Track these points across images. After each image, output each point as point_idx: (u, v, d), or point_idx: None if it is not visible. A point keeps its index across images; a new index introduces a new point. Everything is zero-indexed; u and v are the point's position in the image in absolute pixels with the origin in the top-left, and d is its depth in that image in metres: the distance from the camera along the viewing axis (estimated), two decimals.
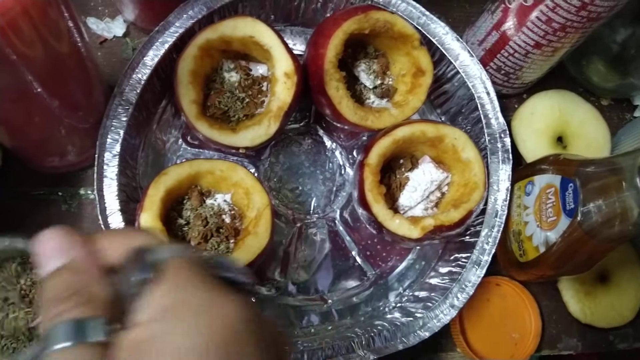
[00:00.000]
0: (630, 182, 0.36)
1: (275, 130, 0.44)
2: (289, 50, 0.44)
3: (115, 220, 0.41)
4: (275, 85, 0.44)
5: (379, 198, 0.43)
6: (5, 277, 0.37)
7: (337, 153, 0.51)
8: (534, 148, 0.52)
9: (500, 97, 0.55)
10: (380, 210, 0.43)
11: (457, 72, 0.49)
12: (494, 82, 0.53)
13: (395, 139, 0.44)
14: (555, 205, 0.43)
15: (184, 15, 0.45)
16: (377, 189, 0.44)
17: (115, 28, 0.50)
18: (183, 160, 0.48)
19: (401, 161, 0.47)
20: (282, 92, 0.44)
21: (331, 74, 0.44)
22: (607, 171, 0.39)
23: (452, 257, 0.48)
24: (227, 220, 0.43)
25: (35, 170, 0.45)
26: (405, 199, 0.47)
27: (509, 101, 0.56)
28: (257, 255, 0.40)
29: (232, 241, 0.43)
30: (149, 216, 0.39)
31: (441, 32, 0.49)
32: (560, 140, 0.54)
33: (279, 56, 0.44)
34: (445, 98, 0.52)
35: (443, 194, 0.48)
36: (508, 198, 0.47)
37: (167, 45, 0.45)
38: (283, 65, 0.44)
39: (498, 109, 0.48)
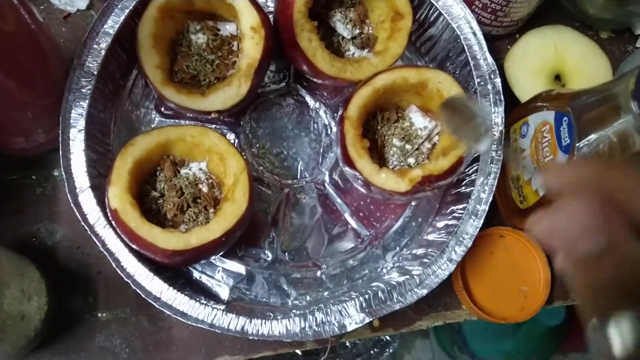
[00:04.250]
0: (626, 107, 0.33)
1: (246, 90, 0.41)
2: (254, 3, 0.41)
3: (87, 198, 0.39)
4: (243, 42, 0.42)
5: (362, 152, 0.41)
6: None
7: (321, 112, 0.49)
8: (529, 89, 0.49)
9: (491, 38, 0.52)
10: (364, 165, 0.41)
11: (440, 14, 0.46)
12: (481, 22, 0.49)
13: (375, 88, 0.42)
14: (551, 143, 0.40)
15: None
16: (360, 143, 0.41)
17: (78, 1, 0.48)
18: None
19: (386, 113, 0.45)
20: (251, 48, 0.41)
21: (301, 24, 0.42)
22: (600, 99, 0.36)
23: (448, 210, 0.45)
24: (205, 189, 0.41)
25: (6, 154, 0.43)
26: (393, 153, 0.44)
27: (501, 42, 0.53)
28: (236, 222, 0.38)
29: (211, 211, 0.40)
30: (117, 190, 0.37)
31: None
32: (558, 78, 0.50)
33: (243, 10, 0.41)
34: (431, 44, 0.49)
35: (434, 144, 0.45)
36: (503, 142, 0.44)
37: (127, 11, 0.42)
38: (248, 19, 0.41)
39: (486, 48, 0.45)
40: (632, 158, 0.35)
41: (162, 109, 0.46)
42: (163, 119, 0.47)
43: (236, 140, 0.47)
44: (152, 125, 0.46)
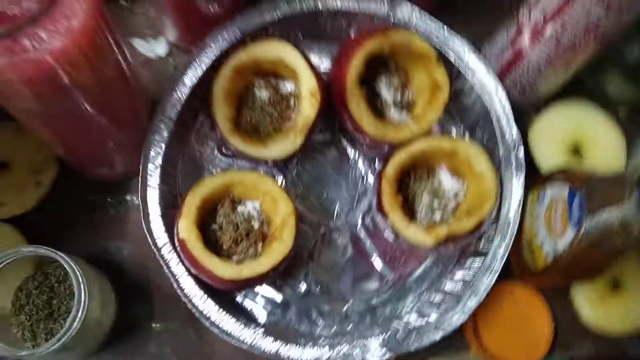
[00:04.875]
0: (629, 194, 0.39)
1: (300, 144, 0.48)
2: (314, 70, 0.48)
3: (157, 225, 0.46)
4: (301, 103, 0.48)
5: (395, 207, 0.47)
6: None
7: (359, 162, 0.55)
8: (550, 158, 0.55)
9: (519, 108, 0.57)
10: (396, 219, 0.47)
11: (474, 86, 0.52)
12: (510, 96, 0.55)
13: (412, 153, 0.48)
14: (563, 215, 0.45)
15: (219, 38, 0.50)
16: (394, 199, 0.47)
17: (158, 48, 0.55)
18: (218, 169, 0.53)
19: (419, 171, 0.51)
20: (307, 109, 0.48)
21: (352, 91, 0.48)
22: (610, 183, 0.41)
23: (466, 263, 0.51)
24: (256, 225, 0.47)
25: (90, 178, 0.50)
26: (422, 207, 0.50)
27: (527, 113, 0.58)
28: (282, 259, 0.44)
29: (260, 245, 0.47)
30: (186, 223, 0.44)
31: (459, 47, 0.52)
32: (577, 150, 0.56)
33: (304, 76, 0.48)
34: (465, 111, 0.55)
35: (459, 203, 0.50)
36: (521, 207, 0.49)
37: (204, 66, 0.49)
38: (308, 84, 0.48)
39: (512, 121, 0.51)
40: (631, 241, 0.40)
41: (223, 150, 0.53)
42: (223, 158, 0.53)
43: (283, 181, 0.53)
44: (214, 163, 0.53)
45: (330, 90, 0.50)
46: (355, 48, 0.48)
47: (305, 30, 0.54)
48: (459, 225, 0.46)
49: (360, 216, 0.53)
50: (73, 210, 0.50)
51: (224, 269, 0.43)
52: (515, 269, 0.52)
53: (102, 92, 0.39)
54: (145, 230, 0.45)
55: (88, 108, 0.38)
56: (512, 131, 0.51)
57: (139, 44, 0.55)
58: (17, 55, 0.28)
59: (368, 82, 0.52)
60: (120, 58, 0.40)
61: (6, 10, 0.28)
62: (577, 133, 0.55)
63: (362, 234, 0.53)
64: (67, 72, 0.32)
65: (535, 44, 0.48)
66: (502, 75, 0.54)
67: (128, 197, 0.51)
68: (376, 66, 0.52)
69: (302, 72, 0.48)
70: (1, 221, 0.47)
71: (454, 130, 0.56)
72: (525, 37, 0.49)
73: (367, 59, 0.48)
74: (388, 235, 0.50)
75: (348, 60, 0.48)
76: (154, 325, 0.50)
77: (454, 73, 0.53)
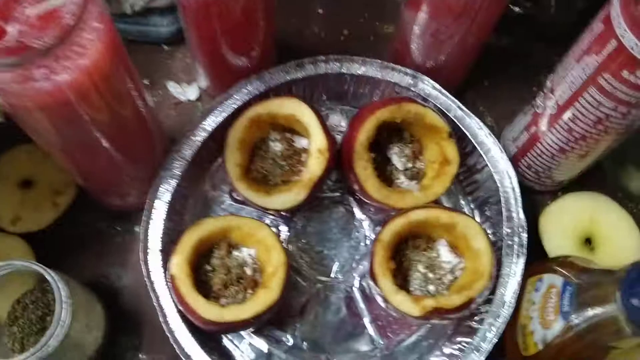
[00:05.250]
0: (615, 296, 0.38)
1: (303, 198, 0.49)
2: (325, 130, 0.50)
3: (155, 258, 0.48)
4: (309, 158, 0.50)
5: (386, 273, 0.47)
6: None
7: (365, 224, 0.55)
8: (558, 246, 0.54)
9: (534, 192, 0.57)
10: (385, 284, 0.47)
11: (487, 165, 0.52)
12: (525, 179, 0.55)
13: (409, 220, 0.48)
14: (555, 306, 0.44)
15: (243, 90, 0.53)
16: (386, 264, 0.47)
17: (190, 93, 0.58)
18: (226, 213, 0.54)
19: (418, 241, 0.51)
20: (314, 166, 0.49)
21: (360, 154, 0.49)
22: (600, 281, 0.40)
23: (457, 340, 0.50)
24: (249, 272, 0.48)
25: (103, 205, 0.53)
26: (416, 277, 0.50)
27: (543, 197, 0.58)
28: (266, 308, 0.45)
29: (249, 291, 0.48)
30: (179, 259, 0.45)
31: (475, 126, 0.53)
32: (589, 242, 0.55)
33: (314, 134, 0.49)
34: (475, 187, 0.55)
35: (456, 278, 0.50)
36: (517, 291, 0.48)
37: (224, 115, 0.52)
38: (317, 142, 0.49)
39: (520, 205, 0.51)
40: (615, 341, 0.39)
41: (234, 195, 0.55)
42: (233, 203, 0.55)
43: (288, 233, 0.55)
44: (223, 206, 0.55)
45: (342, 152, 0.52)
46: (369, 114, 0.50)
47: (329, 91, 0.57)
48: (447, 300, 0.46)
49: (358, 278, 0.54)
50: (83, 234, 0.53)
51: (206, 310, 0.44)
52: (509, 351, 0.51)
53: (117, 129, 0.42)
54: (142, 260, 0.47)
55: (102, 141, 0.41)
56: (518, 215, 0.51)
57: (173, 87, 0.58)
58: (28, 83, 0.31)
59: (381, 148, 0.53)
60: (139, 101, 0.42)
61: (24, 41, 0.31)
62: (591, 225, 0.54)
63: (357, 295, 0.53)
64: (79, 104, 0.35)
65: (549, 131, 0.48)
66: (517, 158, 0.54)
67: (136, 228, 0.54)
68: (391, 133, 0.53)
69: (314, 130, 0.49)
70: (16, 235, 0.50)
71: (463, 204, 0.56)
72: (540, 123, 0.49)
73: (379, 126, 0.50)
74: (379, 301, 0.50)
75: (360, 125, 0.50)
76: (140, 355, 0.51)
77: (468, 149, 0.53)
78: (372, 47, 0.61)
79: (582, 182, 0.56)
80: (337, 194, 0.56)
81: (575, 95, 0.44)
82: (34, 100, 0.33)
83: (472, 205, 0.56)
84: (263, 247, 0.48)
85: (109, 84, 0.37)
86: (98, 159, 0.44)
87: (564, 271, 0.45)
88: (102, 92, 0.36)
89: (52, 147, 0.42)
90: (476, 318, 0.50)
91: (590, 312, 0.40)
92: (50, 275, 0.39)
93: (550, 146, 0.49)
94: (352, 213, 0.56)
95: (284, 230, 0.55)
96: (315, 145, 0.49)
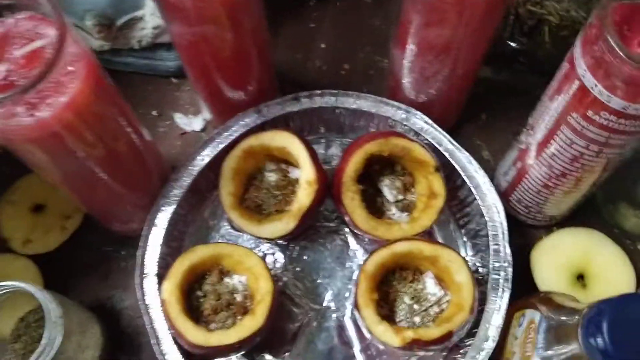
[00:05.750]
0: (577, 334, 0.38)
1: (293, 228, 0.51)
2: (315, 162, 0.52)
3: (150, 283, 0.50)
4: (299, 190, 0.52)
5: (369, 303, 0.48)
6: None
7: (359, 254, 0.57)
8: (549, 281, 0.54)
9: (527, 226, 0.57)
10: (368, 314, 0.48)
11: (476, 198, 0.53)
12: (517, 213, 0.56)
13: (393, 252, 0.49)
14: (533, 342, 0.44)
15: (241, 122, 0.55)
16: (369, 294, 0.48)
17: (195, 124, 0.61)
18: (223, 240, 0.57)
19: (404, 272, 0.52)
20: (303, 197, 0.51)
21: (348, 186, 0.51)
22: (567, 320, 0.41)
23: None
24: (239, 298, 0.50)
25: (108, 230, 0.56)
26: (402, 308, 0.51)
27: (538, 231, 0.58)
28: (250, 334, 0.47)
29: (238, 318, 0.50)
30: (170, 285, 0.48)
31: (465, 161, 0.54)
32: (581, 278, 0.54)
33: (304, 166, 0.51)
34: (467, 219, 0.56)
35: (442, 310, 0.51)
36: (501, 326, 0.49)
37: (221, 146, 0.55)
38: (307, 173, 0.51)
39: (507, 239, 0.51)
40: None
41: (232, 223, 0.57)
42: (231, 231, 0.57)
43: (283, 260, 0.56)
44: (220, 233, 0.57)
45: (332, 183, 0.53)
46: (358, 147, 0.51)
47: (326, 124, 0.59)
48: (427, 332, 0.47)
49: (350, 307, 0.55)
50: (88, 257, 0.56)
51: (193, 334, 0.46)
52: None
53: (111, 162, 0.44)
54: (137, 285, 0.50)
55: (98, 173, 0.44)
56: (505, 250, 0.51)
57: (180, 118, 0.62)
58: (12, 119, 0.34)
59: (373, 180, 0.55)
60: (133, 135, 0.45)
61: (14, 79, 0.34)
62: (584, 261, 0.54)
63: (349, 325, 0.54)
64: (66, 139, 0.38)
65: (533, 167, 0.49)
66: (508, 193, 0.55)
67: (139, 253, 0.56)
68: (384, 166, 0.55)
69: (303, 162, 0.51)
70: (25, 256, 0.54)
71: (456, 236, 0.57)
72: (526, 159, 0.50)
73: (368, 158, 0.51)
74: (364, 330, 0.51)
75: (349, 158, 0.51)
76: None
77: (459, 182, 0.54)
78: (371, 81, 0.63)
79: (577, 218, 0.56)
80: (333, 224, 0.58)
81: (550, 133, 0.44)
82: (19, 134, 0.36)
83: (464, 238, 0.57)
84: (252, 275, 0.50)
85: (94, 119, 0.39)
86: (96, 189, 0.47)
87: (542, 307, 0.45)
88: (87, 127, 0.39)
89: (51, 178, 0.45)
90: (461, 351, 0.50)
91: (560, 349, 0.40)
92: (41, 295, 0.42)
93: (535, 182, 0.50)
94: (347, 243, 0.57)
95: (279, 257, 0.57)
96: (304, 177, 0.51)
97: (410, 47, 0.49)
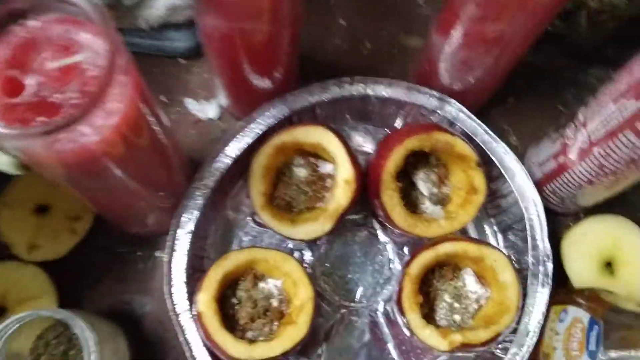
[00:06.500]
0: None
1: (329, 228, 0.48)
2: (353, 159, 0.49)
3: (179, 290, 0.47)
4: (336, 188, 0.49)
5: (414, 307, 0.47)
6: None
7: (388, 247, 0.55)
8: (580, 270, 0.54)
9: (556, 214, 0.57)
10: (413, 318, 0.47)
11: (513, 191, 0.52)
12: (549, 203, 0.55)
13: (437, 254, 0.48)
14: (581, 342, 0.44)
15: (266, 114, 0.51)
16: (414, 298, 0.47)
17: (210, 111, 0.56)
18: (249, 236, 0.54)
19: (444, 270, 0.50)
20: (340, 196, 0.48)
21: (387, 183, 0.48)
22: (631, 324, 0.40)
23: None
24: (275, 304, 0.48)
25: (122, 231, 0.52)
26: (442, 307, 0.50)
27: (565, 219, 0.57)
28: (295, 344, 0.45)
29: (275, 323, 0.47)
30: (205, 296, 0.45)
31: (502, 151, 0.52)
32: (610, 265, 0.54)
33: (341, 163, 0.48)
34: (500, 211, 0.55)
35: (480, 306, 0.50)
36: (542, 321, 0.49)
37: (247, 139, 0.51)
38: (344, 172, 0.48)
39: (546, 234, 0.50)
40: None
41: (256, 218, 0.54)
42: (255, 226, 0.54)
43: (311, 257, 0.54)
44: (245, 230, 0.54)
45: (368, 177, 0.51)
46: (397, 143, 0.49)
47: (353, 112, 0.55)
48: (475, 335, 0.46)
49: (382, 302, 0.53)
50: (103, 260, 0.52)
51: (235, 348, 0.44)
52: None
53: (137, 166, 0.40)
54: (166, 294, 0.47)
55: (123, 181, 0.40)
56: (544, 244, 0.50)
57: (191, 104, 0.57)
58: (54, 145, 0.30)
59: (406, 172, 0.52)
60: (156, 126, 0.40)
61: (49, 98, 0.29)
62: (613, 249, 0.54)
63: (382, 320, 0.53)
64: (104, 158, 0.33)
65: (579, 163, 0.48)
66: (542, 183, 0.53)
67: (157, 254, 0.53)
68: (417, 158, 0.52)
69: (340, 160, 0.48)
70: (33, 264, 0.49)
71: (486, 228, 0.56)
72: (569, 154, 0.48)
73: (406, 154, 0.49)
74: (405, 331, 0.50)
75: (388, 153, 0.49)
76: None
77: (494, 174, 0.53)
78: (395, 60, 0.59)
79: (606, 204, 0.56)
80: (360, 216, 0.55)
81: (609, 134, 0.43)
82: (58, 159, 0.32)
83: (495, 229, 0.55)
84: (290, 280, 0.47)
85: (137, 134, 0.35)
86: (117, 196, 0.42)
87: (590, 306, 0.45)
88: (129, 143, 0.35)
89: (68, 188, 0.40)
90: (500, 346, 0.50)
91: (619, 354, 0.40)
92: (77, 324, 0.39)
93: (579, 177, 0.49)
94: (376, 236, 0.55)
95: (307, 254, 0.54)
96: (342, 176, 0.48)
97: (457, 36, 0.46)
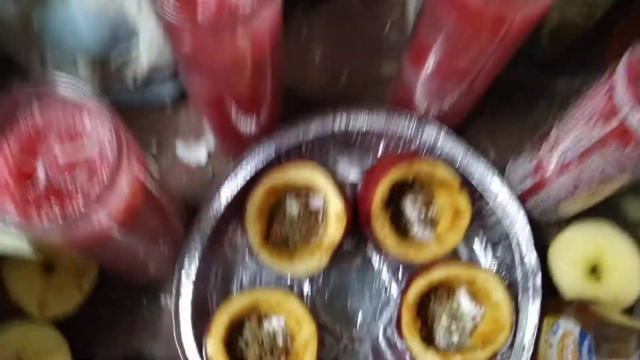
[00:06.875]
0: (634, 351, 0.40)
1: (326, 263, 0.51)
2: (342, 193, 0.51)
3: (187, 336, 0.49)
4: (328, 224, 0.51)
5: (414, 333, 0.49)
6: None
7: (383, 272, 0.57)
8: (568, 277, 0.56)
9: (539, 226, 0.59)
10: (414, 344, 0.49)
11: (495, 210, 0.54)
12: (531, 216, 0.57)
13: (431, 280, 0.50)
14: (574, 354, 0.47)
15: (255, 155, 0.53)
16: (413, 324, 0.49)
17: (199, 155, 0.58)
18: (248, 273, 0.55)
19: (439, 292, 0.53)
20: (333, 230, 0.50)
21: (377, 214, 0.51)
22: (620, 336, 0.43)
23: None
24: (280, 342, 0.50)
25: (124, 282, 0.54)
26: (440, 329, 0.52)
27: (550, 228, 0.60)
28: None
29: (282, 359, 0.49)
30: (214, 341, 0.47)
31: (482, 171, 0.54)
32: (594, 270, 0.57)
33: (331, 199, 0.51)
34: (486, 229, 0.57)
35: (476, 325, 0.52)
36: (535, 334, 0.51)
37: (239, 181, 0.52)
38: (335, 207, 0.50)
39: (532, 247, 0.53)
40: None
41: (253, 257, 0.56)
42: (253, 264, 0.56)
43: (309, 290, 0.56)
44: (243, 266, 0.56)
45: (357, 207, 0.53)
46: (382, 175, 0.51)
47: (337, 144, 0.57)
48: (473, 355, 0.48)
49: (382, 327, 0.55)
50: (110, 313, 0.53)
51: None
52: None
53: (138, 226, 0.41)
54: (177, 342, 0.48)
55: (124, 241, 0.41)
56: (531, 257, 0.53)
57: (181, 149, 0.58)
58: (65, 231, 0.32)
59: (393, 200, 0.54)
60: (151, 188, 0.41)
61: (61, 185, 0.31)
62: (597, 254, 0.56)
63: (383, 345, 0.55)
64: (114, 232, 0.35)
65: (556, 180, 0.50)
66: (523, 199, 0.56)
67: (162, 299, 0.54)
68: (402, 185, 0.54)
69: (330, 195, 0.50)
70: (46, 324, 0.50)
71: (477, 245, 0.58)
72: (546, 171, 0.51)
73: (392, 185, 0.51)
74: (407, 357, 0.52)
75: (375, 185, 0.51)
76: None
77: (477, 194, 0.55)
78: (373, 88, 0.62)
79: (590, 211, 0.58)
80: (353, 244, 0.57)
81: (582, 155, 0.45)
82: (73, 242, 0.33)
83: (484, 244, 0.58)
84: (292, 318, 0.49)
85: (140, 203, 0.37)
86: (119, 255, 0.44)
87: (579, 318, 0.47)
88: (134, 213, 0.37)
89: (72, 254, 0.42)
90: None
91: None
92: None
93: (557, 193, 0.51)
94: (370, 262, 0.57)
95: (306, 287, 0.56)
96: (332, 210, 0.50)
97: (428, 67, 0.48)
